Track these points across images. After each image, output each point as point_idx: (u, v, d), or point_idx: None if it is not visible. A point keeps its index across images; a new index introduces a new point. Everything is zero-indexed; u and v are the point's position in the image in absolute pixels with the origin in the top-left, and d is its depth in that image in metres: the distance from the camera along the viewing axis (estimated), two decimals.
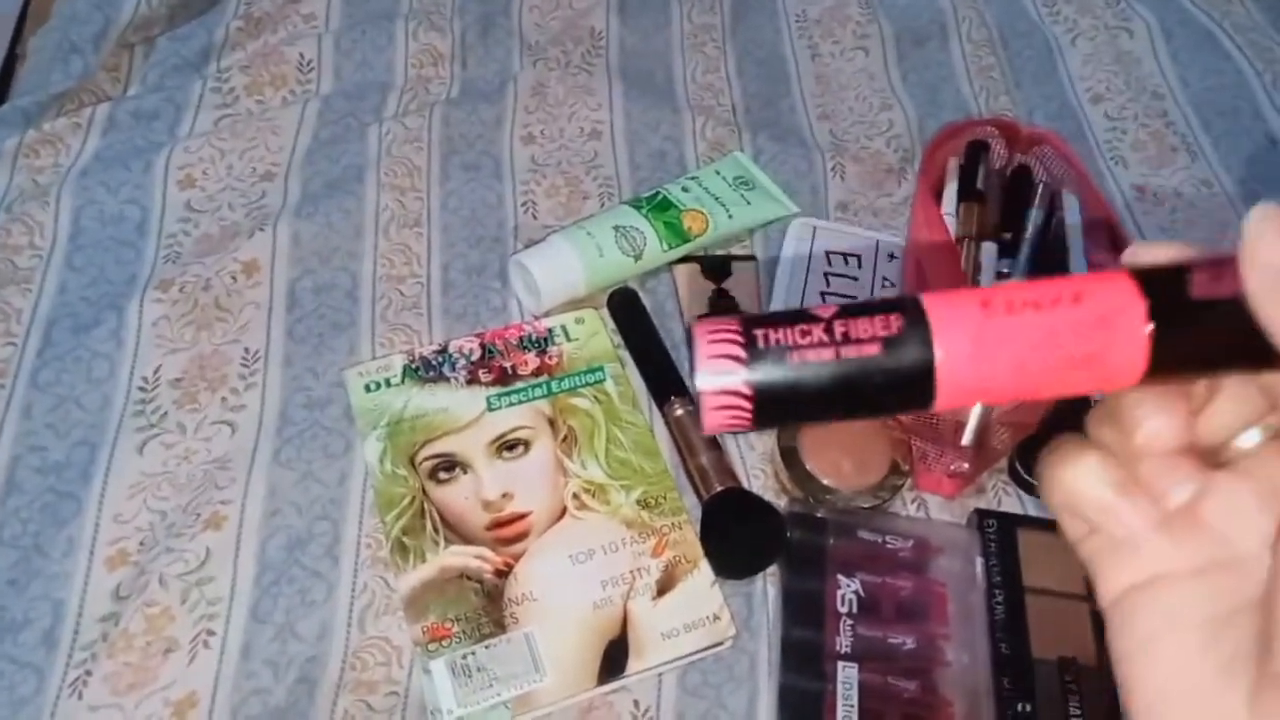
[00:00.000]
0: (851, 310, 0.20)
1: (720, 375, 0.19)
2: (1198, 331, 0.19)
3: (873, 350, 0.19)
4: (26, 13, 0.84)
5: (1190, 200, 0.67)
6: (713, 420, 0.20)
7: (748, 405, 0.20)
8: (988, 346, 0.19)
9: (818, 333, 0.19)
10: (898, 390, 0.20)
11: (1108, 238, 0.51)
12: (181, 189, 0.63)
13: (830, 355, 0.19)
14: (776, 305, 0.61)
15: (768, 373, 0.19)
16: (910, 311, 0.20)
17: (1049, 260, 0.54)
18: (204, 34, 0.71)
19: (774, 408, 0.20)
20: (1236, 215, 0.66)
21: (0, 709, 0.45)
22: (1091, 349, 0.19)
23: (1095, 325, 0.19)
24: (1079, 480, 0.20)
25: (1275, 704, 0.18)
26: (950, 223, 0.55)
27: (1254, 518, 0.20)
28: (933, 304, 0.20)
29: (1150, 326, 0.19)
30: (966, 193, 0.56)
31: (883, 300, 0.20)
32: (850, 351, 0.19)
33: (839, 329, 0.19)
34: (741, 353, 0.19)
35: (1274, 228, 0.18)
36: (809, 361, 0.19)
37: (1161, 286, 0.19)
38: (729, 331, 0.20)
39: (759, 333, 0.20)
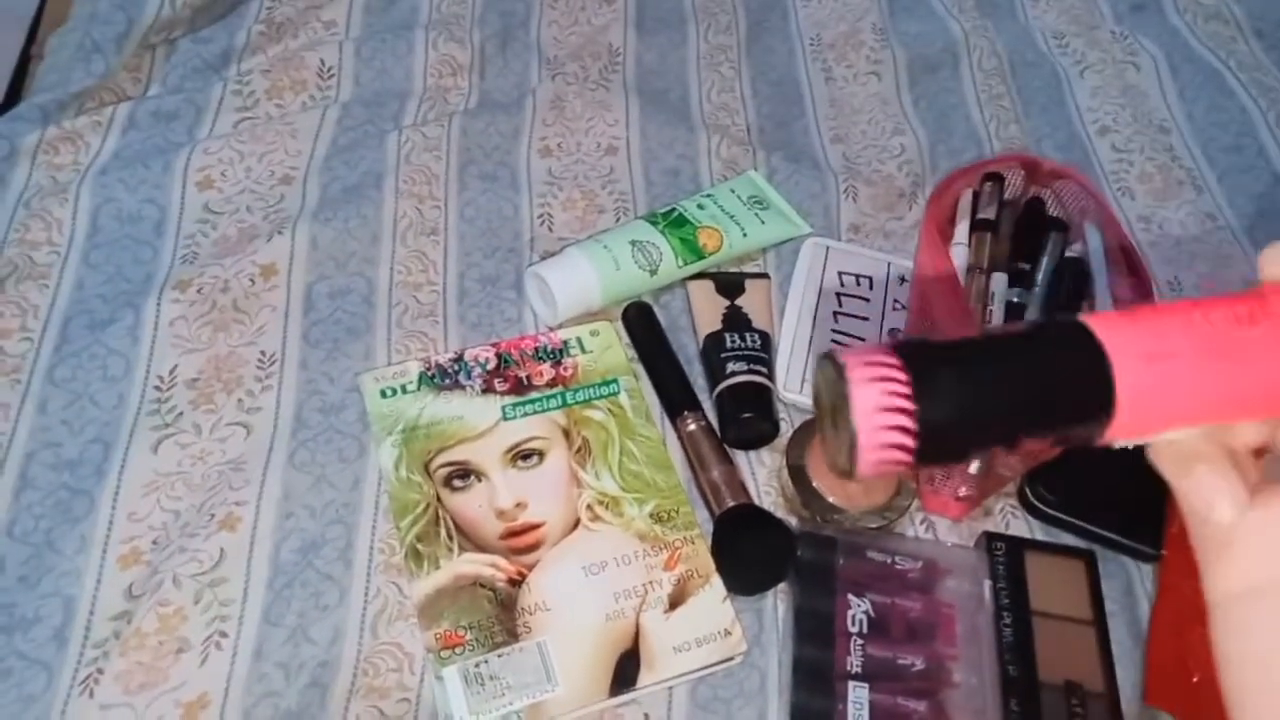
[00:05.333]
0: (1011, 336, 0.19)
1: (882, 415, 0.17)
2: None
3: (1043, 361, 0.18)
4: (42, 13, 0.84)
5: (1195, 234, 0.68)
6: (872, 463, 0.18)
7: (910, 444, 0.18)
8: (1165, 367, 0.18)
9: (978, 345, 0.18)
10: (1073, 400, 0.18)
11: (1128, 271, 0.52)
12: (200, 190, 0.63)
13: (999, 386, 0.17)
14: (789, 324, 0.61)
15: (936, 407, 0.17)
16: (1077, 338, 0.18)
17: (1066, 291, 0.55)
18: (225, 37, 0.72)
19: (939, 446, 0.18)
20: (1241, 250, 0.68)
21: (10, 706, 0.44)
22: None
23: None
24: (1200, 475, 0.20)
25: None
26: (963, 253, 0.56)
27: None
28: (1098, 323, 0.18)
29: None
30: (978, 223, 0.57)
31: (1045, 324, 0.19)
32: (1022, 380, 0.18)
33: (999, 344, 0.18)
34: (903, 386, 0.17)
35: None
36: (978, 391, 0.17)
37: None
38: (885, 362, 0.18)
39: (920, 359, 0.18)
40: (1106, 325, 0.18)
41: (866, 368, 0.17)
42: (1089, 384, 0.18)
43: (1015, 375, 0.18)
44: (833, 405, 0.17)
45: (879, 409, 0.17)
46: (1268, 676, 0.20)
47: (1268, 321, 0.18)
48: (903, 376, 0.17)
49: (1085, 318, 0.19)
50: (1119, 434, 0.19)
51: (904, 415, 0.17)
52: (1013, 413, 0.18)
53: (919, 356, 0.18)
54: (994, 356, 0.18)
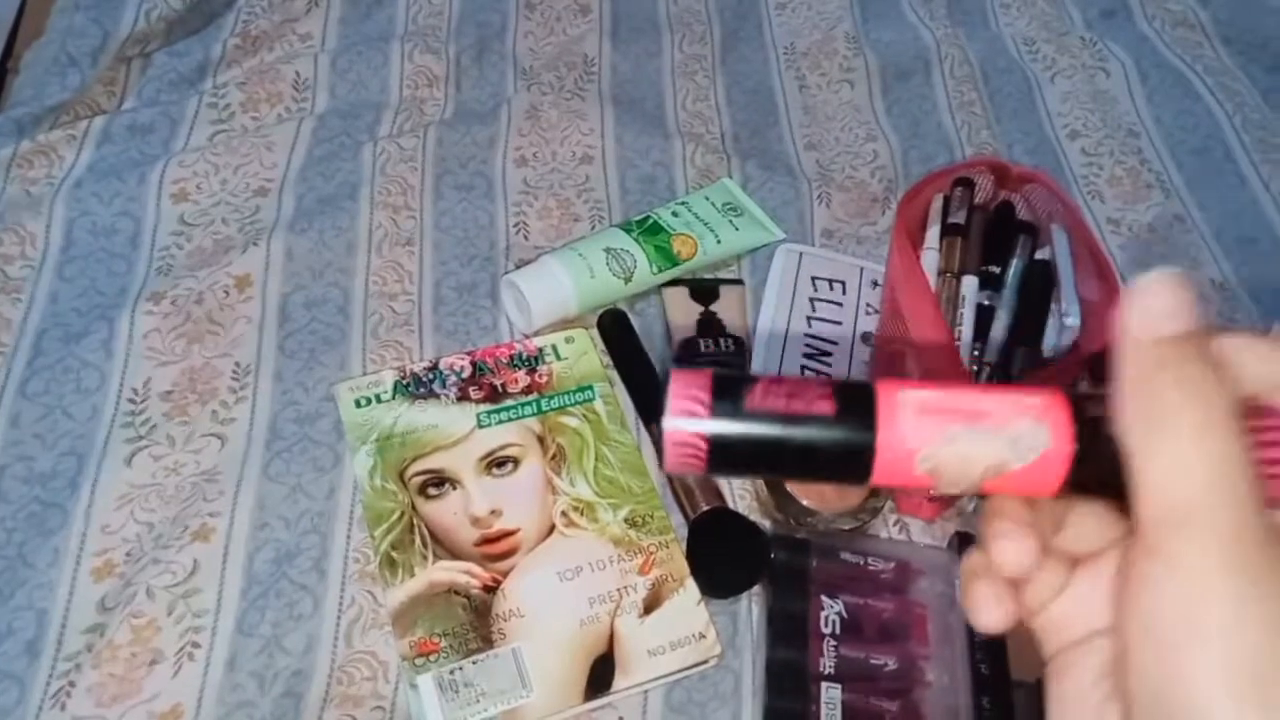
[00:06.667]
0: (811, 385, 0.22)
1: (684, 421, 0.21)
2: (1111, 458, 0.20)
3: (819, 428, 0.21)
4: (19, 26, 0.85)
5: (1163, 235, 0.69)
6: (672, 460, 0.22)
7: (703, 451, 0.22)
8: (920, 444, 0.21)
9: (774, 399, 0.22)
10: (837, 464, 0.22)
11: (1096, 273, 0.53)
12: (175, 202, 0.63)
13: (780, 422, 0.21)
14: (763, 327, 0.62)
15: (724, 426, 0.21)
16: (859, 398, 0.22)
17: (1035, 293, 0.56)
18: (201, 50, 0.72)
19: (725, 458, 0.22)
20: (1208, 251, 0.68)
21: None
22: (1012, 465, 0.21)
23: (1018, 444, 0.21)
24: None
25: None
26: (934, 257, 0.56)
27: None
28: (883, 393, 0.22)
29: (1072, 449, 0.21)
30: (948, 227, 0.57)
31: (842, 383, 0.22)
32: (798, 423, 0.21)
33: (794, 402, 0.22)
34: (705, 406, 0.21)
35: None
36: (761, 421, 0.21)
37: (1088, 417, 0.21)
38: (699, 382, 0.22)
39: (726, 388, 0.22)
40: (891, 386, 0.22)
41: (683, 398, 0.22)
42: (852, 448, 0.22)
43: (794, 427, 0.22)
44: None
45: (681, 430, 0.22)
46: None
47: (1016, 421, 0.21)
48: (704, 412, 0.21)
49: (878, 384, 0.22)
50: (884, 477, 0.22)
51: (700, 435, 0.22)
52: (788, 450, 0.22)
53: (727, 392, 0.22)
54: (783, 419, 0.22)
